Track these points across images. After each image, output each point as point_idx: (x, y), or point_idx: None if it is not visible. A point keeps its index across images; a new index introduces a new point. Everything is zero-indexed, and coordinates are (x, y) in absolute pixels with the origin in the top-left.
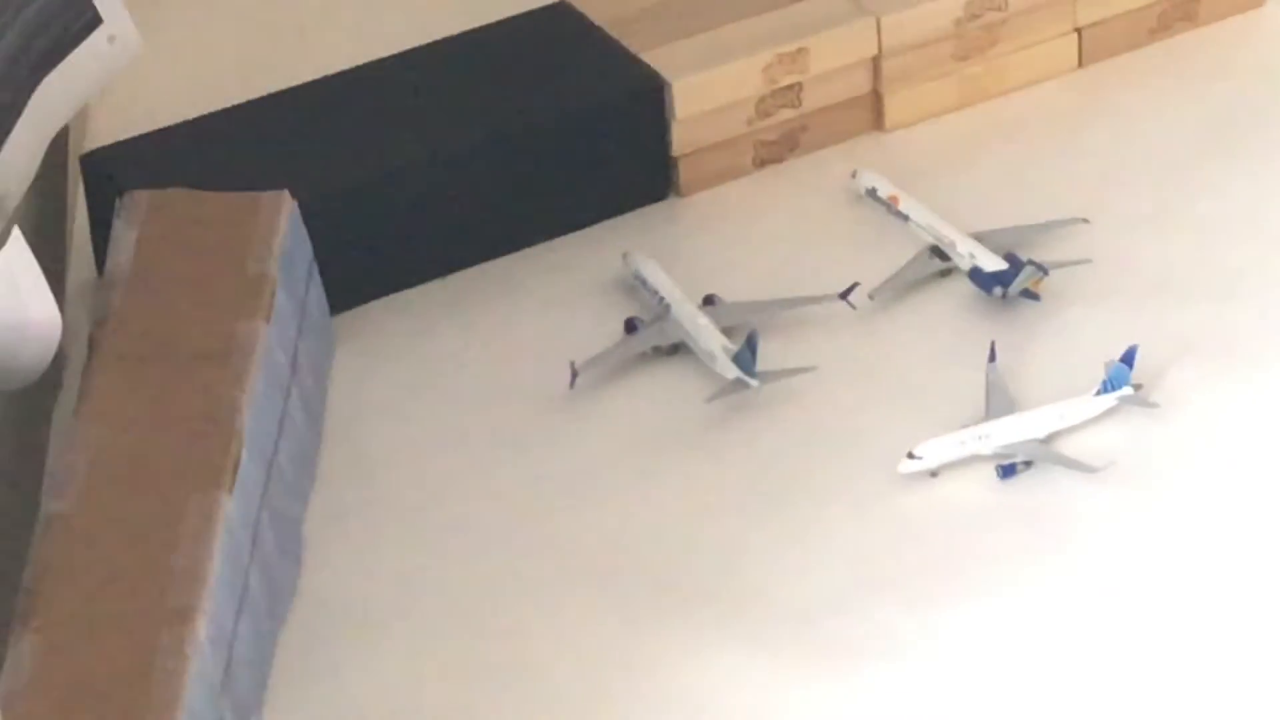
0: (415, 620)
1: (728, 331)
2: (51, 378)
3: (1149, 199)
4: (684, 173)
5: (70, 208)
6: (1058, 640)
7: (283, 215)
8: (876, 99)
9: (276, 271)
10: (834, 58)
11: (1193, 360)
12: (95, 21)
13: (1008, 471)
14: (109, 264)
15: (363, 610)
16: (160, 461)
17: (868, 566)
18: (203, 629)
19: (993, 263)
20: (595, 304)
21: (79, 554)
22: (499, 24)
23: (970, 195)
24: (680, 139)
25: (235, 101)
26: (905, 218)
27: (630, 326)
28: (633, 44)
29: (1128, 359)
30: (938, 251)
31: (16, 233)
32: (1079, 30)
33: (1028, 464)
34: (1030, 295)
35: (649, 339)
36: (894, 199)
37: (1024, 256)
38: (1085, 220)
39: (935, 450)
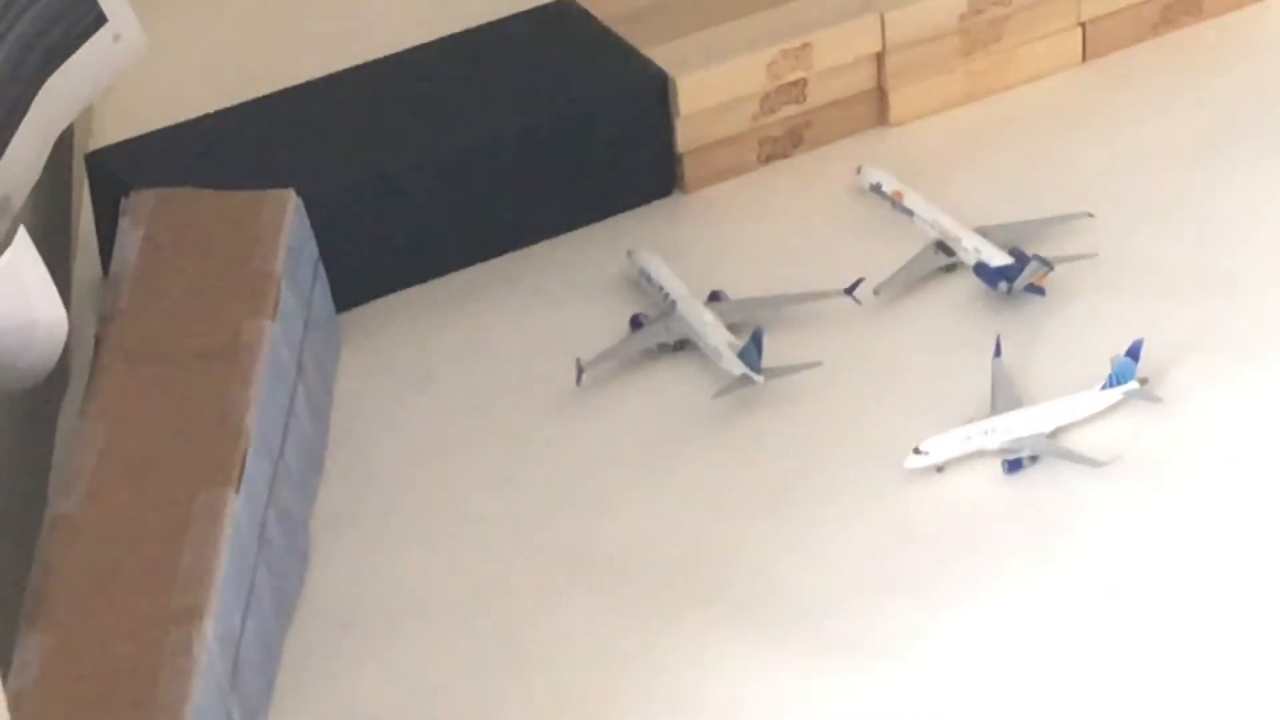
0: (422, 618)
1: (733, 328)
2: (57, 377)
3: (1154, 193)
4: (689, 169)
5: (75, 207)
6: (1064, 635)
7: (288, 214)
8: (881, 94)
9: (282, 270)
10: (838, 53)
11: (1198, 354)
12: (100, 21)
13: (1013, 466)
14: (114, 263)
15: (369, 608)
16: (167, 460)
17: (874, 562)
18: (210, 628)
19: (998, 258)
20: (601, 301)
21: (86, 553)
22: (503, 21)
23: (975, 190)
24: (685, 135)
25: (240, 100)
26: (910, 213)
27: (636, 323)
28: (637, 40)
29: (1133, 353)
30: (943, 247)
31: (22, 232)
32: (1083, 25)
33: (1033, 459)
34: (1035, 290)
35: (655, 335)
36: (899, 194)
37: (1029, 251)
38: (1090, 215)
39: (941, 445)
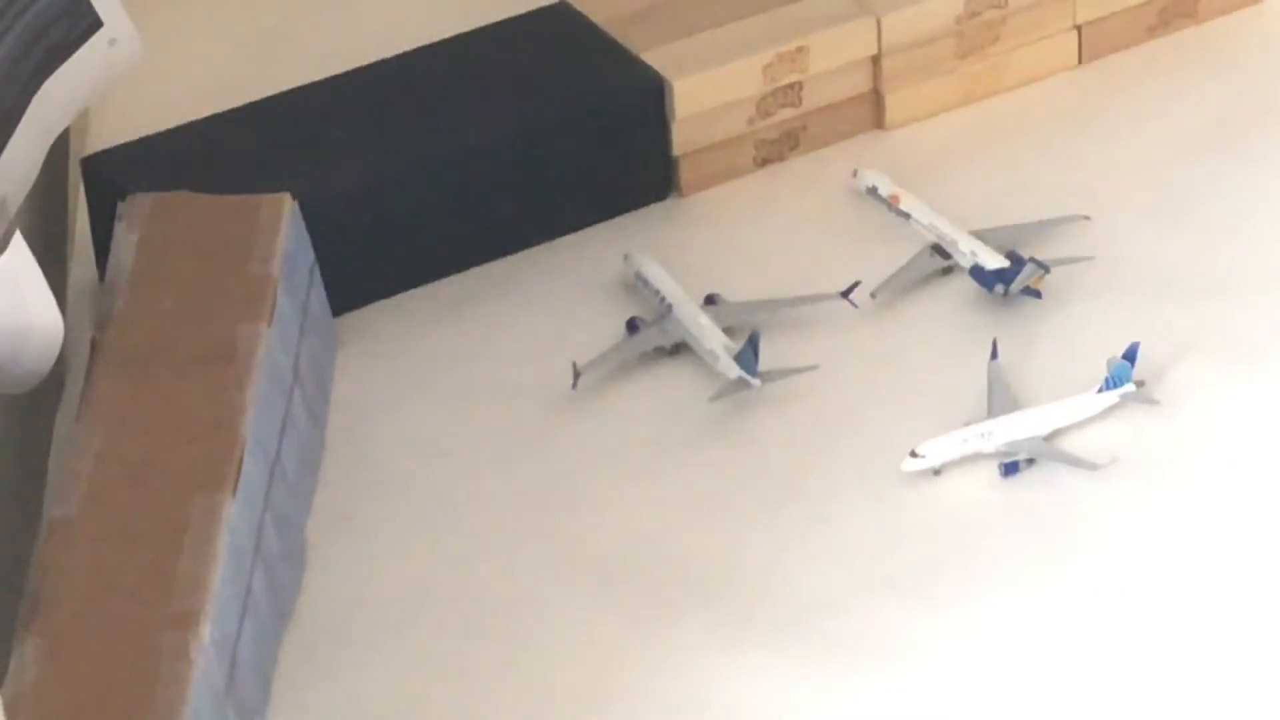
0: (418, 622)
1: (729, 331)
2: (53, 382)
3: (1150, 196)
4: (685, 172)
5: (71, 211)
6: (1061, 637)
7: (284, 218)
8: (877, 97)
9: (278, 274)
10: (834, 56)
11: (1195, 357)
12: (96, 25)
13: (1010, 469)
14: (110, 267)
15: (366, 612)
16: (163, 465)
17: (871, 565)
18: (206, 632)
19: (994, 260)
20: (597, 304)
21: (82, 558)
22: (499, 25)
23: (971, 193)
24: (681, 139)
25: (236, 104)
26: (906, 216)
27: (632, 326)
28: (633, 44)
29: (1130, 356)
30: (939, 250)
31: (18, 236)
32: (1079, 27)
33: (1030, 461)
34: (1032, 293)
35: (651, 339)
36: (895, 197)
37: (1025, 254)
38: (1086, 217)
39: (938, 448)
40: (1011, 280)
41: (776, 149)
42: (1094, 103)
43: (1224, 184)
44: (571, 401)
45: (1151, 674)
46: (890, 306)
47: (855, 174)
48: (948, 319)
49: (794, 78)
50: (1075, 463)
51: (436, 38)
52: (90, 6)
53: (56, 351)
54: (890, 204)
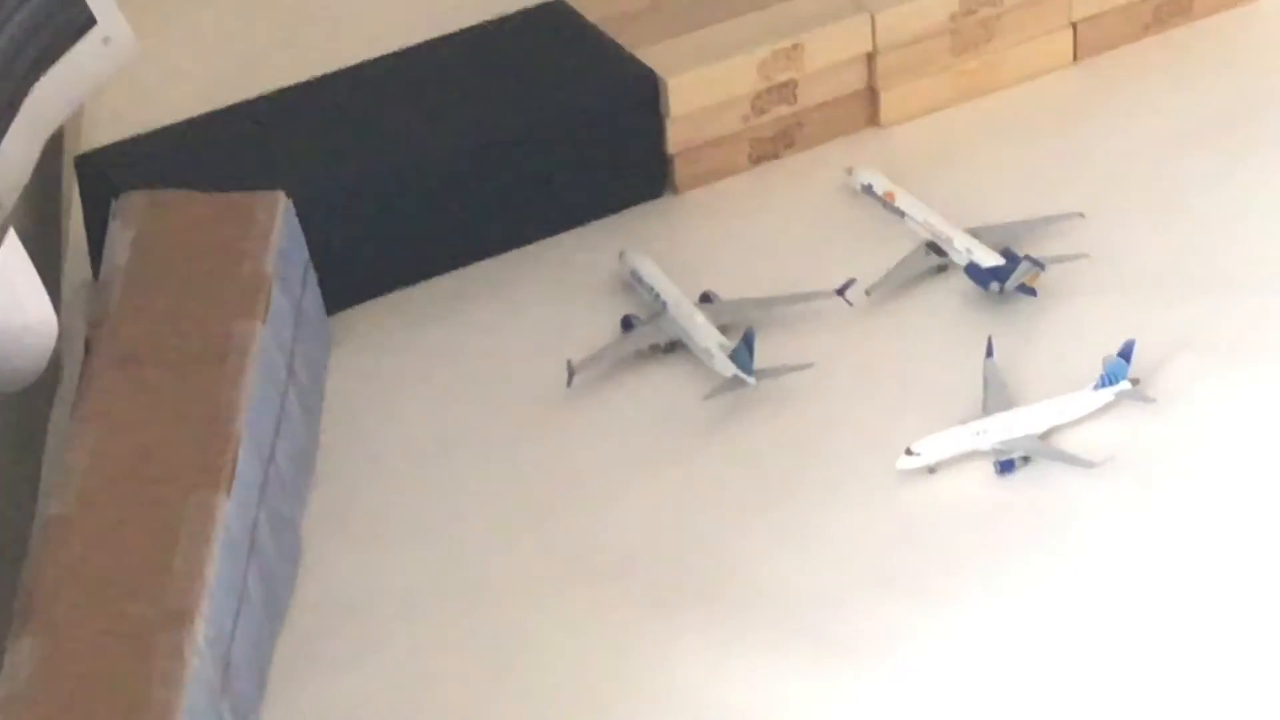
0: (414, 620)
1: (724, 329)
2: (48, 380)
3: (1145, 193)
4: (680, 170)
5: (65, 209)
6: (1057, 635)
7: (278, 215)
8: (872, 95)
9: (272, 272)
10: (829, 54)
11: (1190, 354)
12: (89, 23)
13: (1006, 467)
14: (104, 265)
15: (361, 610)
16: (158, 463)
17: (866, 563)
18: (201, 631)
19: (989, 258)
20: (591, 302)
21: (77, 556)
22: (494, 22)
23: (966, 191)
24: (676, 136)
25: (230, 102)
26: (901, 214)
27: (627, 324)
28: (627, 41)
29: (1125, 353)
30: (934, 247)
31: (12, 235)
32: (1074, 25)
33: (1026, 459)
34: (1027, 290)
35: (646, 337)
36: (890, 195)
37: (1020, 252)
38: (1081, 215)
39: (933, 446)
40: (1007, 278)
41: (771, 146)
42: (1089, 100)
43: (1219, 181)
44: (566, 399)
45: (1148, 670)
46: (885, 304)
47: (850, 172)
48: (943, 317)
49: (789, 75)
50: (1071, 461)
51: (431, 35)
52: (84, 4)
53: (51, 349)
54: (885, 202)
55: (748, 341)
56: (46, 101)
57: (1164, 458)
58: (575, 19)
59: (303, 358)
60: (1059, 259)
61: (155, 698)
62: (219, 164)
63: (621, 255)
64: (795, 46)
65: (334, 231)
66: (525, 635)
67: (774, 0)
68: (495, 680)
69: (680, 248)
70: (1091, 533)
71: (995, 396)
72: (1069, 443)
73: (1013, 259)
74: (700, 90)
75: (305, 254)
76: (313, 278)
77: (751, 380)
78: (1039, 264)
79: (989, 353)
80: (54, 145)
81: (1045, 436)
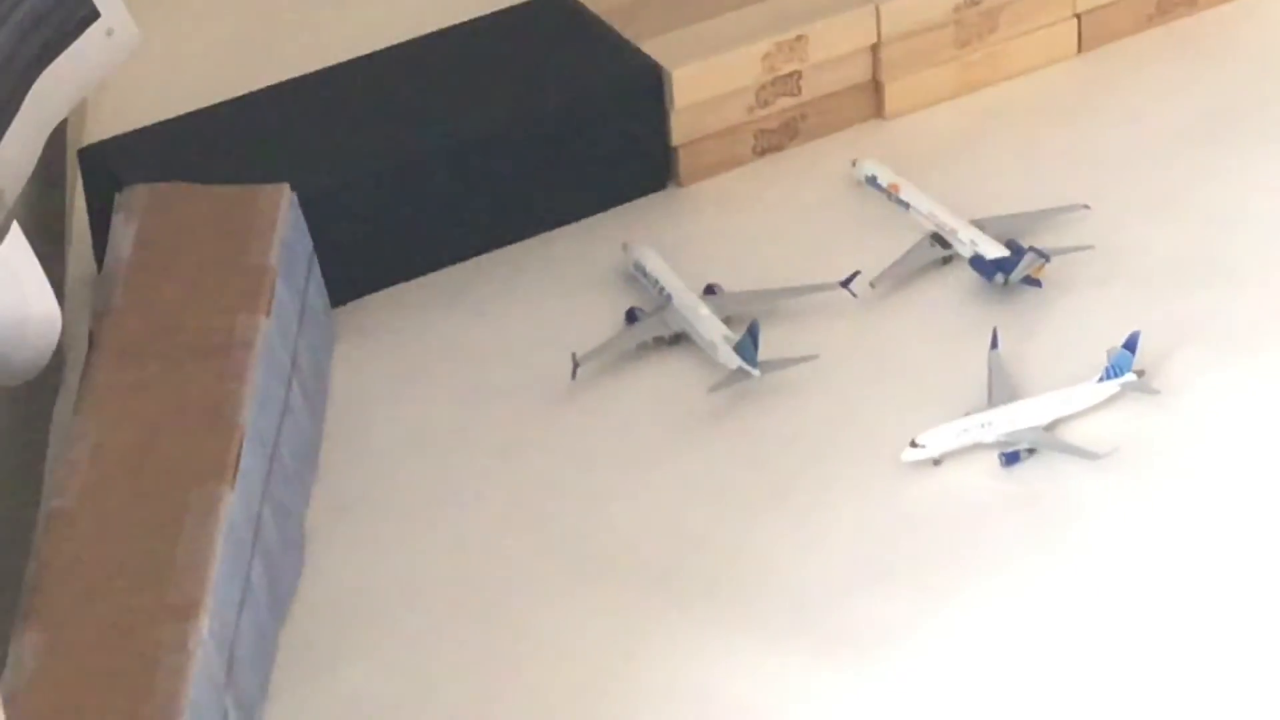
0: (417, 612)
1: (729, 321)
2: (52, 373)
3: (1149, 185)
4: (684, 162)
5: (69, 202)
6: (1061, 627)
7: (282, 208)
8: (876, 86)
9: (276, 265)
10: (834, 45)
11: (1195, 346)
12: (92, 15)
13: (1011, 459)
14: (108, 258)
15: (365, 603)
16: (162, 456)
17: (871, 555)
18: (205, 624)
19: (994, 250)
20: (596, 295)
21: (81, 550)
22: (497, 15)
23: (971, 182)
24: (680, 128)
25: (233, 95)
26: (906, 205)
27: (631, 317)
28: (631, 33)
29: (1130, 345)
30: (939, 239)
31: (15, 228)
32: (1078, 16)
33: (1030, 451)
34: (1032, 282)
35: (650, 329)
36: (894, 187)
37: (1025, 243)
38: (1086, 206)
39: (938, 438)
40: (1011, 269)
41: (776, 138)
42: (1093, 92)
43: (1224, 172)
44: (571, 392)
45: (1151, 662)
46: (890, 296)
47: (855, 163)
48: (948, 308)
49: (793, 67)
50: (1076, 452)
51: (435, 28)
52: None
53: (54, 342)
54: (890, 193)
55: (752, 334)
56: (50, 94)
57: (1168, 449)
58: (579, 11)
59: (307, 350)
60: (1064, 251)
61: (159, 690)
62: (223, 157)
63: (626, 248)
64: (799, 38)
65: (338, 224)
66: (528, 627)
67: None
68: (498, 670)
69: (684, 240)
70: (1096, 524)
71: (1000, 388)
72: (1074, 434)
73: (1018, 251)
74: (704, 82)
75: (309, 246)
76: (317, 270)
77: (756, 372)
78: (1044, 256)
79: (994, 344)
80: (57, 138)
81: (1050, 428)
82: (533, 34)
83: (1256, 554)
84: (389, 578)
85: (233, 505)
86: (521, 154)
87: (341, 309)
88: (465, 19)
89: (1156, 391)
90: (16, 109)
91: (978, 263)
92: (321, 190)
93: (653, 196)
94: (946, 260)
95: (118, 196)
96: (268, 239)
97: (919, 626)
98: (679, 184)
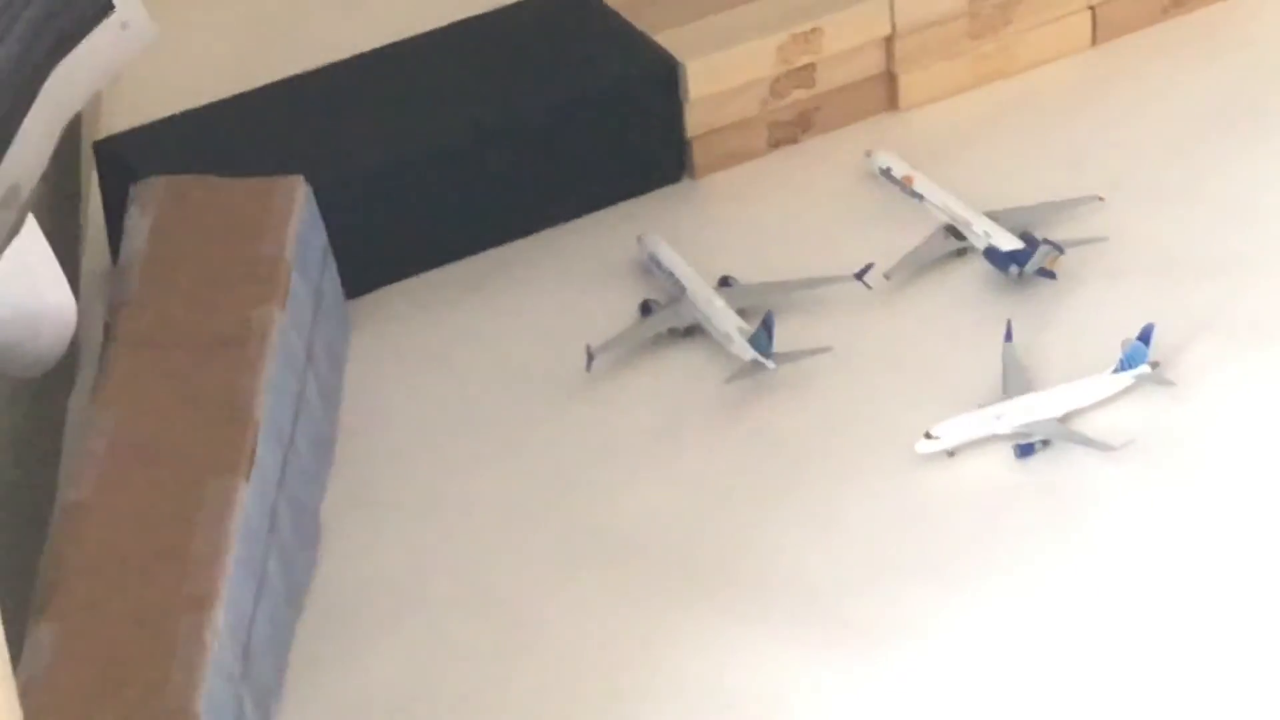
0: (434, 604)
1: (743, 313)
2: (66, 365)
3: (1165, 176)
4: (698, 154)
5: (84, 195)
6: (1078, 618)
7: (297, 200)
8: (891, 79)
9: (291, 257)
10: (848, 37)
11: (1210, 337)
12: (107, 8)
13: (1025, 451)
14: (123, 251)
15: (381, 594)
16: (177, 448)
17: (885, 547)
18: (221, 616)
19: (1008, 242)
20: (610, 287)
21: (96, 542)
22: (511, 7)
23: (985, 174)
24: (694, 120)
25: (249, 87)
26: (920, 197)
27: (646, 309)
28: (645, 25)
29: (1145, 337)
30: (953, 231)
31: (31, 220)
32: (1093, 8)
33: (1045, 443)
34: (1046, 274)
35: (665, 321)
36: (909, 179)
37: (1040, 235)
38: (1101, 198)
39: (952, 430)
40: (1026, 261)
41: (790, 131)
42: (1108, 84)
43: (1240, 164)
44: (585, 384)
45: (1168, 654)
46: (904, 288)
47: (869, 155)
48: (962, 300)
49: (807, 59)
50: (1090, 444)
51: (449, 20)
52: None
53: (70, 335)
54: (904, 185)
55: (767, 325)
56: (65, 87)
57: (1184, 441)
58: (593, 3)
59: (322, 343)
60: (1078, 242)
61: (174, 682)
62: (238, 149)
63: (640, 240)
64: (814, 30)
65: (353, 216)
66: (543, 620)
67: None
68: (513, 662)
69: (698, 232)
70: (1111, 516)
71: (1014, 380)
72: (1088, 426)
73: (1032, 242)
74: (718, 74)
75: (324, 239)
76: (332, 262)
77: (771, 364)
78: (1058, 247)
79: (1008, 336)
80: (72, 131)
81: (1065, 420)
82: (546, 27)
83: (1273, 545)
84: (404, 568)
85: (248, 497)
86: (535, 146)
87: (357, 301)
88: (479, 12)
89: (1172, 383)
90: (31, 102)
91: (992, 254)
92: (336, 183)
93: (667, 189)
94: (961, 252)
95: (133, 189)
96: (283, 231)
97: (933, 618)
98: (693, 176)
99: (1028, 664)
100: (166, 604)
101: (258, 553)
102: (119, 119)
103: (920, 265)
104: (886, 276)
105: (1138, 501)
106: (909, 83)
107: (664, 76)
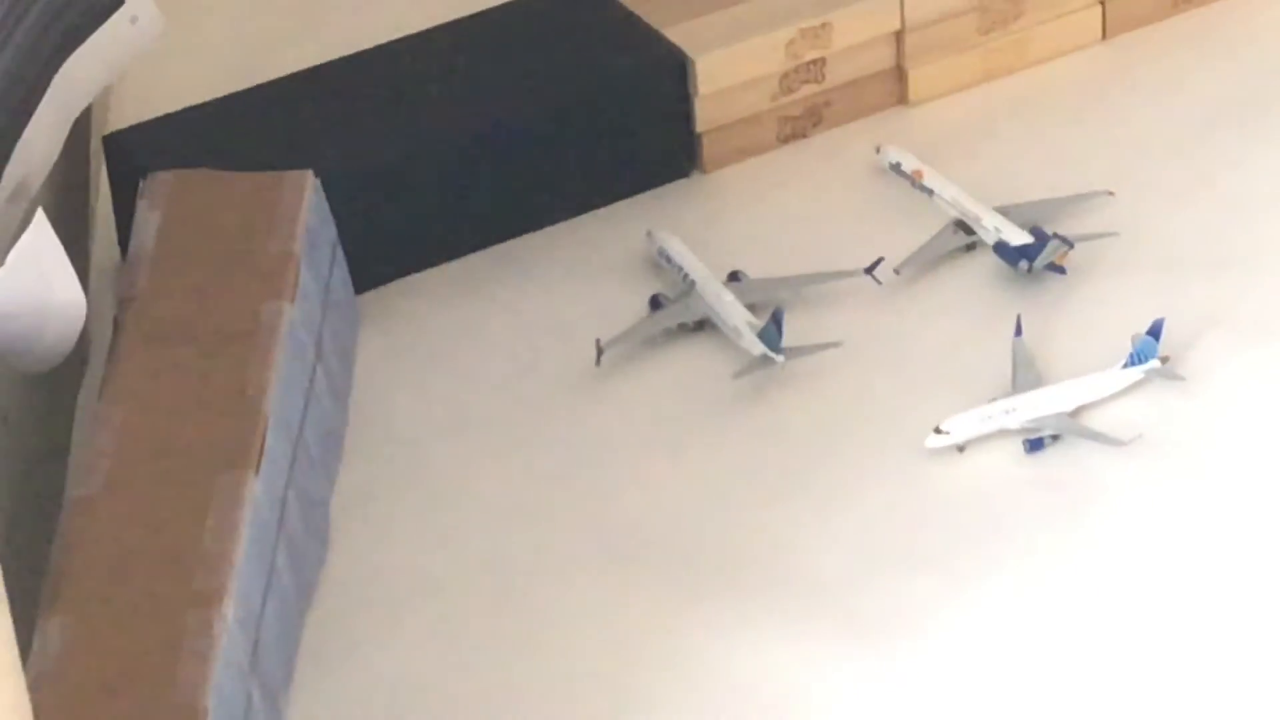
0: (442, 599)
1: (753, 307)
2: (76, 360)
3: (1174, 171)
4: (707, 149)
5: (93, 189)
6: (1087, 613)
7: (306, 195)
8: (900, 73)
9: (300, 251)
10: (857, 32)
11: (1219, 332)
12: (117, 3)
13: (1035, 445)
14: (132, 245)
15: (390, 589)
16: (186, 443)
17: (895, 541)
18: (230, 610)
19: (1018, 236)
20: (620, 281)
21: (105, 536)
22: (521, 2)
23: (995, 169)
24: (704, 115)
25: (257, 82)
26: (930, 192)
27: (655, 303)
28: (655, 20)
29: (1154, 332)
30: (963, 226)
31: (40, 215)
32: (1102, 3)
33: (1055, 438)
34: (1056, 269)
35: (674, 316)
36: (918, 173)
37: (1049, 230)
38: (1110, 193)
39: (962, 425)
40: (1035, 256)
41: (799, 125)
42: (1117, 78)
43: (1249, 159)
44: (595, 378)
45: (1176, 648)
46: (914, 283)
47: (878, 150)
48: (972, 295)
49: (817, 54)
50: (1100, 439)
51: (458, 14)
52: None
53: (79, 329)
54: (913, 180)
55: (776, 320)
56: (74, 82)
57: (1193, 436)
58: None
59: (331, 337)
60: (1088, 237)
61: (184, 676)
62: (247, 143)
63: (649, 234)
64: (823, 25)
65: (362, 211)
66: (552, 615)
67: None
68: (522, 656)
69: (708, 226)
70: (1121, 511)
71: (1024, 375)
72: (1098, 421)
73: (1041, 237)
74: (728, 69)
75: (333, 233)
76: (341, 257)
77: (780, 359)
78: (1068, 242)
79: (1017, 331)
80: (81, 125)
81: (1074, 415)
82: (556, 20)
83: None
84: (414, 564)
85: (257, 492)
86: (545, 141)
87: (366, 295)
88: (489, 6)
89: (1181, 378)
90: (41, 97)
91: (1002, 249)
92: (345, 177)
93: (676, 183)
94: (970, 247)
95: (142, 183)
96: (292, 225)
97: (942, 612)
98: (703, 171)
99: (1037, 658)
100: (175, 598)
101: (267, 547)
102: (128, 113)
103: (930, 260)
104: (896, 271)
105: (1147, 496)
106: (919, 77)
107: (674, 71)
